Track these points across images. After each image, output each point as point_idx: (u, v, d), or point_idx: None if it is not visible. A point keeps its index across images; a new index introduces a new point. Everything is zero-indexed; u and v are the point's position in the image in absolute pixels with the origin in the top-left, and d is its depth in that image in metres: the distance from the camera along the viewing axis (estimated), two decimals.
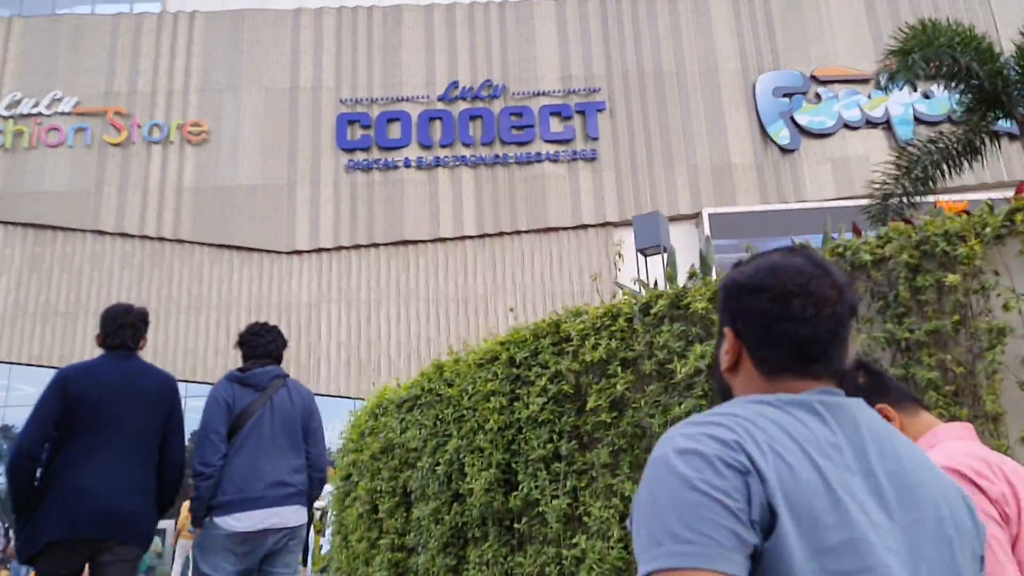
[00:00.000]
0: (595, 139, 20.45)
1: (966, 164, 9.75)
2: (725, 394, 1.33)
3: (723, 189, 20.15)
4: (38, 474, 3.74)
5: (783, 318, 1.21)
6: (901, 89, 10.26)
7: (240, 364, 4.40)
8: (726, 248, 19.16)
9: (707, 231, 19.39)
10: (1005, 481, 1.68)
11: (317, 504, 12.71)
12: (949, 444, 1.83)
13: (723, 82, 21.04)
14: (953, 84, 9.43)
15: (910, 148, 10.08)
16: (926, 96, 20.78)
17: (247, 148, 20.42)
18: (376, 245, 19.77)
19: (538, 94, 20.89)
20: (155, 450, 3.87)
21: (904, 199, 9.81)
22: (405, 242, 19.78)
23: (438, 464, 4.52)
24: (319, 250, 19.75)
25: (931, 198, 9.98)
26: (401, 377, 17.82)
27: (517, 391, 4.16)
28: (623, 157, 20.36)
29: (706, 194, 20.09)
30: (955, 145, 9.64)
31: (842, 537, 1.03)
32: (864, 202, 19.61)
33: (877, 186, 10.41)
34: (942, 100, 20.70)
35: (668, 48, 21.32)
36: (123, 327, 3.98)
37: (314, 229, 19.78)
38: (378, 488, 5.23)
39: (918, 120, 20.71)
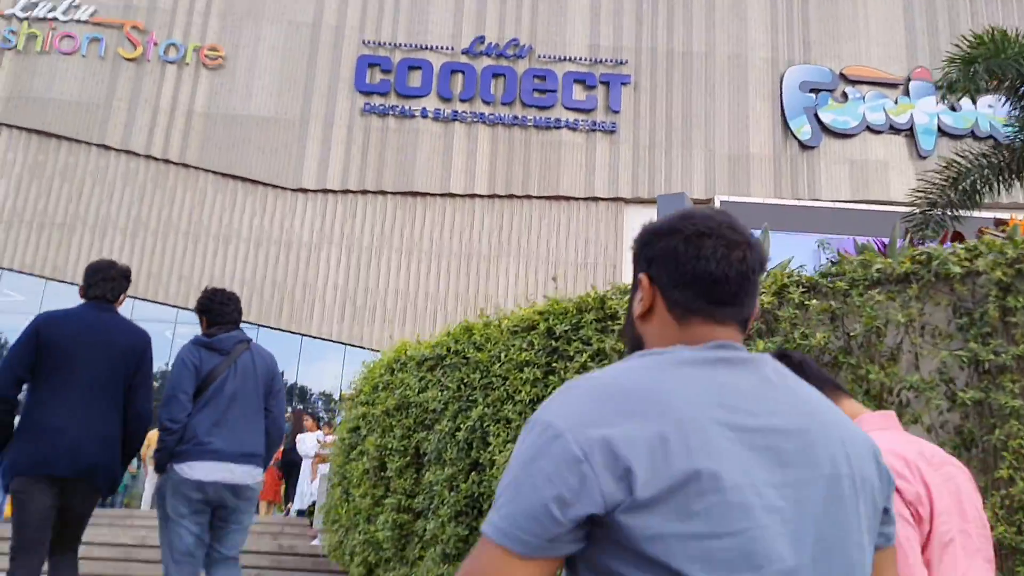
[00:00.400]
0: (616, 112, 20.15)
1: (1017, 182, 9.54)
2: (636, 346, 1.35)
3: (738, 178, 19.94)
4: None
5: (696, 256, 1.25)
6: (959, 100, 10.02)
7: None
8: None
9: None
10: (921, 480, 1.75)
11: (307, 449, 12.64)
12: (872, 436, 1.83)
13: (751, 70, 20.72)
14: (1016, 98, 9.17)
15: (959, 159, 9.83)
16: (953, 108, 20.56)
17: (263, 78, 20.02)
18: (384, 192, 19.50)
19: (564, 59, 20.52)
20: (120, 401, 4.05)
21: (948, 211, 9.60)
22: (414, 193, 19.51)
23: (459, 429, 4.36)
24: (325, 191, 19.46)
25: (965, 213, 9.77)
26: (396, 328, 17.69)
27: (554, 364, 4.00)
28: (642, 134, 20.08)
29: (721, 181, 19.87)
30: (1009, 162, 9.40)
31: (712, 502, 1.05)
32: (876, 208, 19.51)
33: (921, 194, 10.14)
34: (968, 114, 20.49)
35: (700, 29, 20.95)
36: (105, 280, 4.18)
37: (322, 169, 19.47)
38: (388, 445, 5.08)
39: (942, 132, 20.49)
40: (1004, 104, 9.73)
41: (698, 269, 1.24)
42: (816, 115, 20.39)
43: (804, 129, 20.29)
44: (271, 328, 18.30)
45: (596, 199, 19.69)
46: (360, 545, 5.27)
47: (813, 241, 19.71)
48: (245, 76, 20.01)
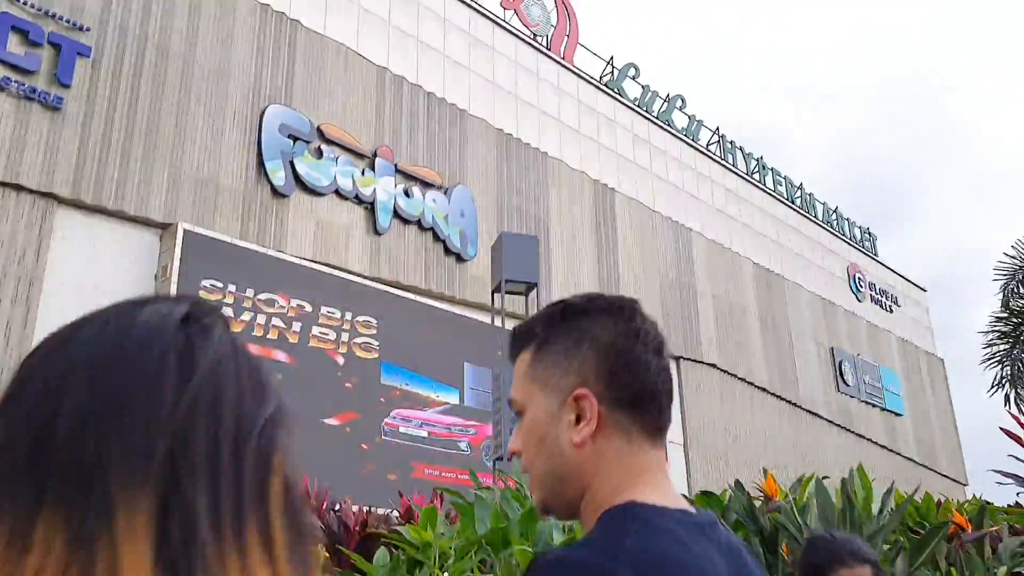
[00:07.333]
0: (66, 86, 15.37)
1: None
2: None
3: (204, 208, 16.84)
4: None
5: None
6: None
7: None
8: (196, 275, 15.88)
9: (179, 248, 15.85)
10: None
11: None
12: None
13: (232, 92, 18.05)
14: None
15: None
16: (407, 194, 20.98)
17: None
18: None
19: None
20: None
21: None
22: None
23: None
24: None
25: None
26: None
27: None
28: (97, 123, 15.65)
29: (184, 206, 16.52)
30: None
31: None
32: (334, 272, 18.39)
33: None
34: (417, 202, 21.10)
35: (182, 27, 17.57)
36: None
37: None
38: None
39: (396, 214, 20.61)
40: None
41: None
42: (292, 163, 18.63)
43: (279, 174, 18.28)
44: None
45: (20, 188, 14.47)
46: None
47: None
48: None
